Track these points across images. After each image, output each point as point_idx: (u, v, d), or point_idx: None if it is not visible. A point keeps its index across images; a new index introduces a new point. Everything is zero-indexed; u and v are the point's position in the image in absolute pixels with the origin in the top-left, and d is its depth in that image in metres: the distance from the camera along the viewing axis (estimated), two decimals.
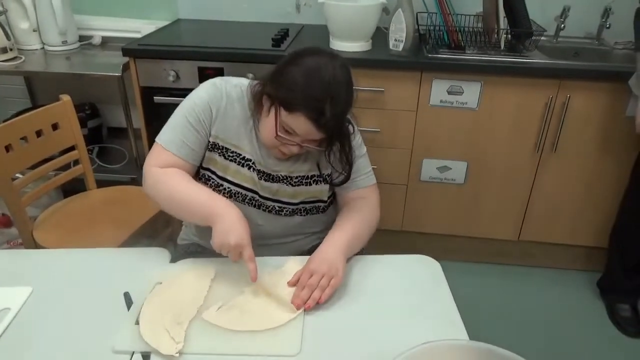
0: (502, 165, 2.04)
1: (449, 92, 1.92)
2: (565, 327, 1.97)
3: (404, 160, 2.07)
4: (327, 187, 1.23)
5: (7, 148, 1.52)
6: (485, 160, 2.04)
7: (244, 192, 1.18)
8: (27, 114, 1.61)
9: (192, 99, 1.14)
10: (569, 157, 1.99)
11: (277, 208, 1.20)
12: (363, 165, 1.23)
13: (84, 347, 0.88)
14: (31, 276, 1.05)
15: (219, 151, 1.16)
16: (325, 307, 0.98)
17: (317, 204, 1.24)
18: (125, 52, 1.98)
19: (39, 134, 1.63)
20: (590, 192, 2.05)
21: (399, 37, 1.91)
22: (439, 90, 1.91)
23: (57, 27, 2.25)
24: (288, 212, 1.22)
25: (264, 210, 1.20)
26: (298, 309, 0.96)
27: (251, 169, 1.16)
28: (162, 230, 1.81)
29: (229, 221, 0.99)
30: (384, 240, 1.72)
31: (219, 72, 1.96)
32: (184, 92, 1.19)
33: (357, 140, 1.22)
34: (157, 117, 2.03)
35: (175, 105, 1.16)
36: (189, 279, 1.04)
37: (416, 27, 2.02)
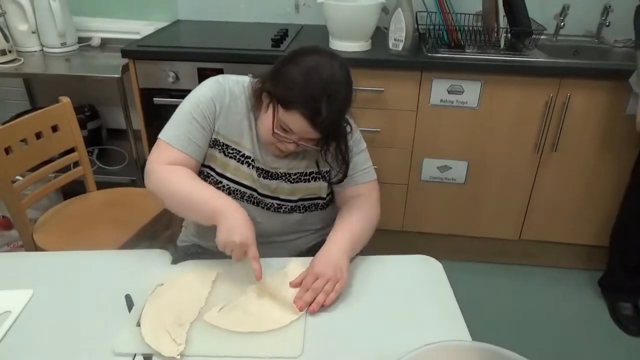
0: (502, 165, 2.04)
1: (449, 92, 1.91)
2: (566, 326, 1.96)
3: (405, 160, 2.06)
4: (325, 184, 1.23)
5: (7, 150, 1.52)
6: (485, 159, 2.03)
7: (243, 189, 1.17)
8: (26, 116, 1.61)
9: (195, 96, 1.14)
10: (569, 156, 1.99)
11: (275, 205, 1.20)
12: (361, 161, 1.22)
13: (86, 350, 0.88)
14: (32, 279, 1.05)
15: (219, 148, 1.15)
16: (327, 308, 0.97)
17: (316, 201, 1.24)
18: (125, 53, 1.98)
19: (38, 136, 1.63)
20: (590, 190, 2.05)
21: (398, 36, 1.91)
22: (439, 89, 1.91)
23: (56, 28, 2.25)
24: (287, 209, 1.22)
25: (263, 208, 1.20)
26: (300, 310, 0.95)
27: (250, 166, 1.16)
28: (162, 232, 1.81)
29: (234, 220, 0.98)
30: (385, 240, 1.72)
31: (219, 73, 1.85)
32: (184, 93, 1.19)
33: (356, 137, 1.21)
34: (156, 118, 2.02)
35: (175, 106, 1.15)
36: (190, 280, 1.04)
37: (416, 26, 2.01)
